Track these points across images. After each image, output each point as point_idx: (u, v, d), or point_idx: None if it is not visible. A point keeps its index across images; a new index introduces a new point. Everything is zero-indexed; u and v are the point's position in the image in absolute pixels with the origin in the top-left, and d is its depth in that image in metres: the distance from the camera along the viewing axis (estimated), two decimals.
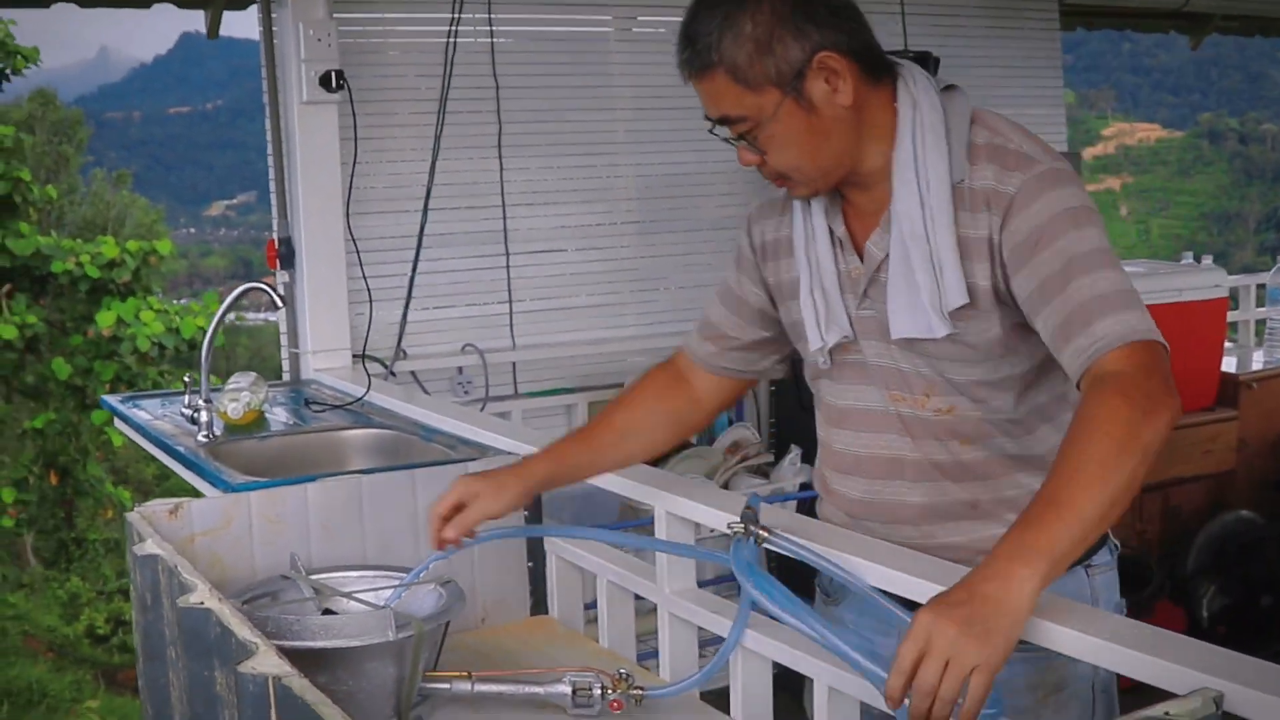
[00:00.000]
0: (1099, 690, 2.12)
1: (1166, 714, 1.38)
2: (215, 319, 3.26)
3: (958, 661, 1.54)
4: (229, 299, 3.31)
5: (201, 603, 1.89)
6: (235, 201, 59.94)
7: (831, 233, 2.13)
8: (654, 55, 4.65)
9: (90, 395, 13.06)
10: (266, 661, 1.66)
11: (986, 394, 2.06)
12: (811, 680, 2.04)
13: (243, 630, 1.76)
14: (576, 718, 2.20)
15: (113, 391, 12.05)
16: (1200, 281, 5.03)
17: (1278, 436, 5.32)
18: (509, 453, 2.79)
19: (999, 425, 2.08)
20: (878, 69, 2.05)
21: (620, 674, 2.19)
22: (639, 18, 4.75)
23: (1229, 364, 5.36)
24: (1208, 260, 5.28)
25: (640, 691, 2.16)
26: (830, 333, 2.14)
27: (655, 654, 2.45)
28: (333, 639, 2.10)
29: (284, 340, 3.97)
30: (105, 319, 13.01)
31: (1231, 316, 5.73)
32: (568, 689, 2.20)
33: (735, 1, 1.97)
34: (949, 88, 2.07)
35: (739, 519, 1.99)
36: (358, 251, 3.93)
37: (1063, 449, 1.73)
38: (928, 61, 4.29)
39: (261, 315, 23.73)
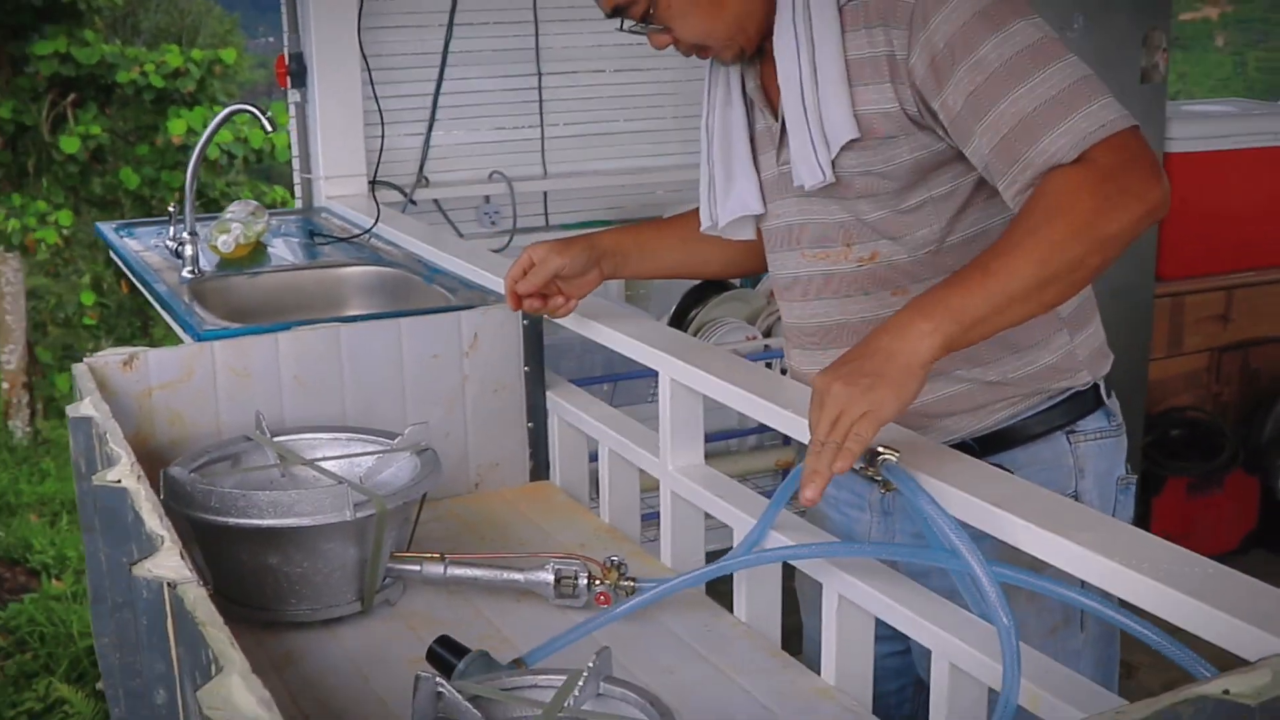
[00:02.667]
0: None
1: (1226, 692, 1.11)
2: (201, 140, 2.99)
3: (847, 414, 1.55)
4: (215, 120, 3.03)
5: (119, 480, 1.66)
6: None
7: (743, 88, 2.00)
8: None
9: (157, 206, 12.93)
10: (165, 562, 1.42)
11: (906, 229, 1.88)
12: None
13: (151, 519, 1.52)
14: (560, 607, 1.97)
15: (180, 203, 11.86)
16: None
17: None
18: None
19: (926, 264, 1.88)
20: None
21: (610, 562, 1.95)
22: None
23: None
24: None
25: (631, 583, 1.92)
26: (724, 211, 2.04)
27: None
28: (282, 516, 1.87)
29: (296, 165, 3.69)
30: (176, 127, 12.79)
31: None
32: (550, 577, 1.97)
33: None
34: None
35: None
36: (368, 70, 3.61)
37: (1012, 222, 1.63)
38: None
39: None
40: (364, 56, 3.58)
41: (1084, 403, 1.94)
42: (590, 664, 1.47)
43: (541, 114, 4.03)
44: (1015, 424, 1.92)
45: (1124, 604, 1.39)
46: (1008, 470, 1.76)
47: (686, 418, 2.12)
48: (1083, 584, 1.44)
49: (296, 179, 3.70)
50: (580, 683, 1.46)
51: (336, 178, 3.61)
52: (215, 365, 2.21)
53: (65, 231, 12.07)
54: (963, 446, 1.89)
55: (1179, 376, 4.43)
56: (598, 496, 2.40)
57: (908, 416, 1.73)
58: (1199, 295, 4.50)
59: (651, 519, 2.27)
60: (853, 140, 1.81)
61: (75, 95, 12.92)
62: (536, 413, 2.47)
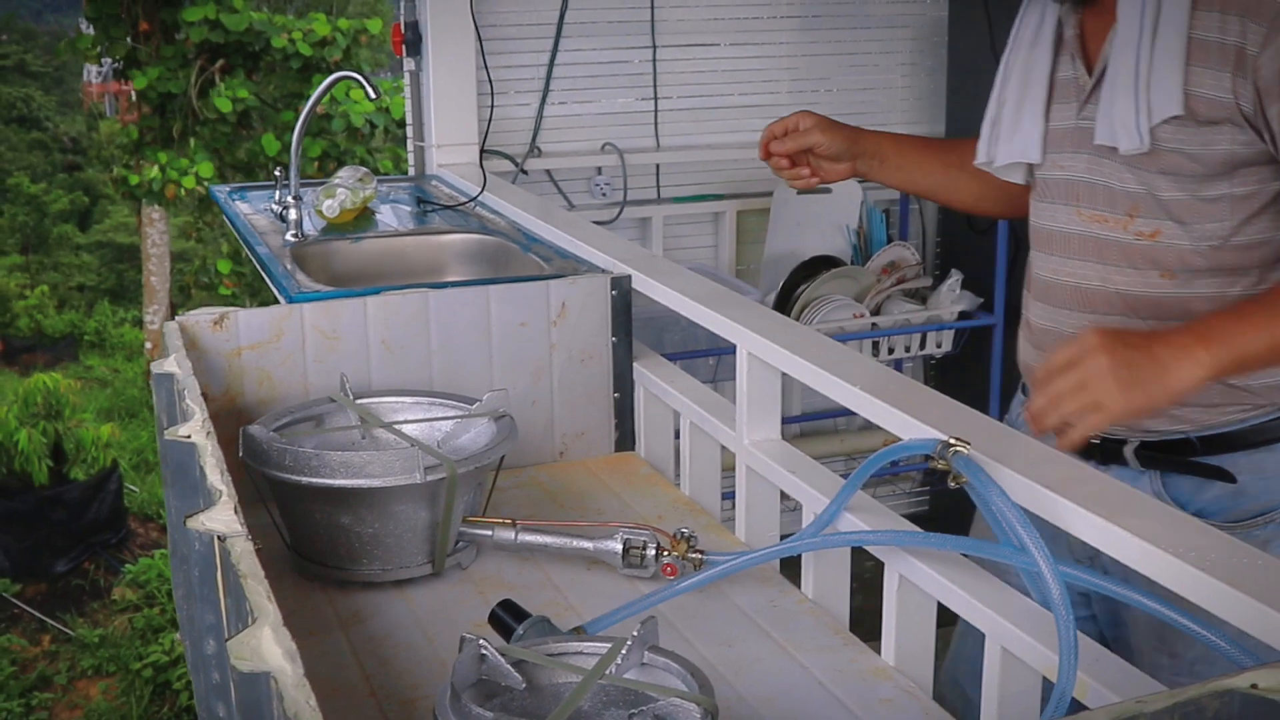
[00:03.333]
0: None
1: (1254, 686, 1.08)
2: (308, 106, 3.04)
3: (1091, 391, 1.61)
4: (322, 86, 3.08)
5: (188, 436, 1.70)
6: None
7: (1060, 36, 1.97)
8: None
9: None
10: (219, 517, 1.45)
11: (1197, 217, 1.85)
12: None
13: (214, 474, 1.56)
14: (628, 576, 1.98)
15: (321, 169, 12.09)
16: None
17: None
18: (604, 269, 2.53)
19: (1205, 256, 1.86)
20: None
21: (680, 534, 1.95)
22: None
23: None
24: None
25: (699, 556, 1.92)
26: (1004, 151, 2.04)
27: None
28: (354, 477, 1.90)
29: (409, 133, 3.73)
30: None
31: None
32: (618, 546, 1.98)
33: None
34: None
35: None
36: (480, 40, 3.62)
37: None
38: None
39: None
40: (477, 26, 3.60)
41: None
42: (635, 633, 1.48)
43: (655, 87, 4.03)
44: (1244, 429, 1.90)
45: (1172, 596, 1.36)
46: (1227, 472, 1.83)
47: (763, 392, 2.11)
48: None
49: (410, 146, 3.74)
50: (624, 651, 1.46)
51: (448, 146, 3.64)
52: (304, 327, 2.24)
53: (205, 184, 12.30)
54: (1186, 442, 1.91)
55: None
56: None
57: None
58: None
59: (732, 497, 2.27)
60: (1174, 116, 1.79)
61: (223, 62, 13.18)
62: (623, 383, 2.47)
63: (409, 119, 3.72)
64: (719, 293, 2.35)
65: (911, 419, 1.71)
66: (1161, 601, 1.40)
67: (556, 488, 2.36)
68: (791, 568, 1.99)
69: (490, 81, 3.67)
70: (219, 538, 1.40)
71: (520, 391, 2.37)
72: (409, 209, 3.35)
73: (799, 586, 1.97)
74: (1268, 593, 1.24)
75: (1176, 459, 1.91)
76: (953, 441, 1.59)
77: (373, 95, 2.97)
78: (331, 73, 13.26)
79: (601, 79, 3.98)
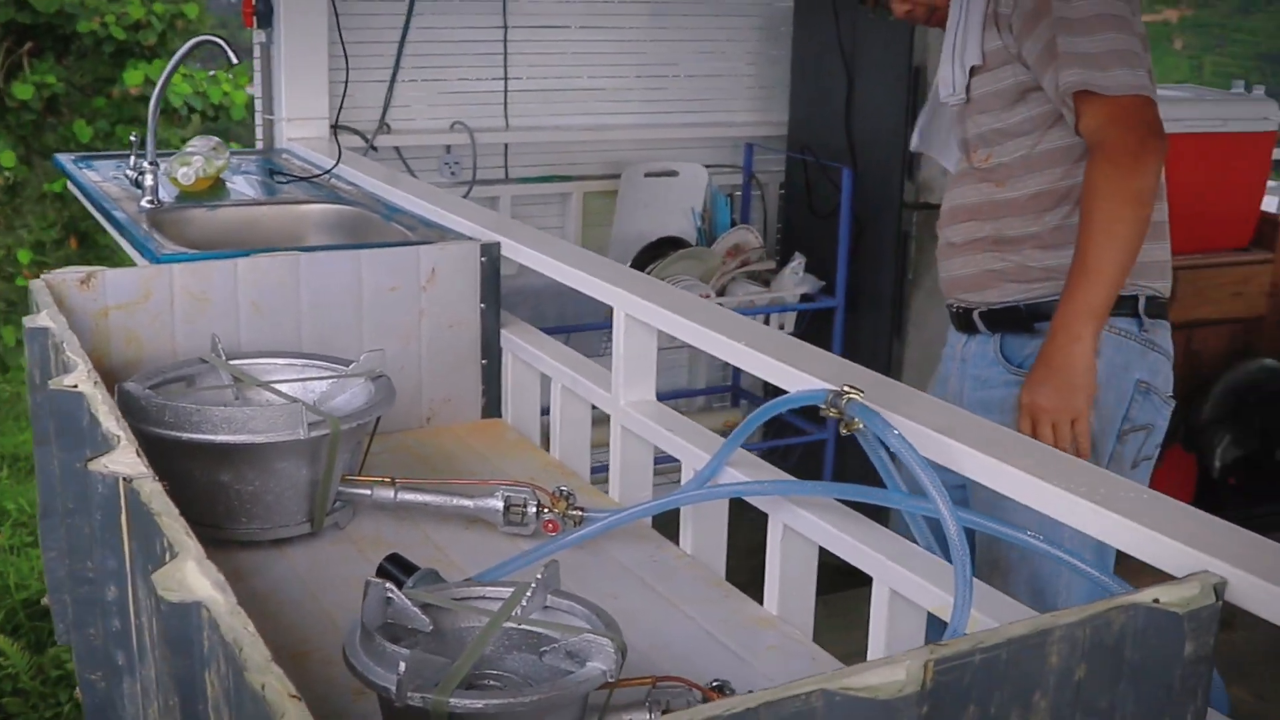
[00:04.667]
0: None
1: (1156, 601, 1.15)
2: (166, 70, 2.99)
3: (1061, 422, 2.20)
4: (182, 50, 3.03)
5: (75, 385, 1.67)
6: None
7: None
8: None
9: None
10: (122, 460, 1.44)
11: (1010, 138, 2.41)
12: None
13: (108, 420, 1.54)
14: (509, 534, 2.00)
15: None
16: (1247, 112, 4.68)
17: None
18: (470, 237, 2.54)
19: (1022, 165, 2.41)
20: None
21: (560, 491, 1.98)
22: None
23: (1270, 204, 5.04)
24: (1259, 91, 4.92)
25: (579, 513, 1.95)
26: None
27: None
28: (236, 433, 1.88)
29: (258, 106, 3.68)
30: (133, 78, 12.64)
31: (1278, 155, 5.39)
32: (499, 503, 1.99)
33: None
34: None
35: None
36: (336, 14, 3.60)
37: (1079, 222, 2.23)
38: None
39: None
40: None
41: (1120, 304, 2.29)
42: (538, 576, 1.50)
43: (506, 67, 4.04)
44: (1054, 300, 2.31)
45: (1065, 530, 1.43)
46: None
47: (640, 353, 2.15)
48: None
49: (258, 119, 3.69)
50: (528, 594, 1.49)
51: (298, 120, 3.61)
52: (174, 288, 2.22)
53: (8, 175, 11.93)
54: (1014, 309, 2.42)
55: None
56: (549, 439, 2.43)
57: (971, 282, 2.48)
58: None
59: (600, 471, 2.30)
60: (974, 66, 2.40)
61: (32, 44, 12.77)
62: (490, 350, 2.49)
63: (258, 92, 3.67)
64: (592, 258, 2.38)
65: (799, 371, 1.76)
66: (1037, 539, 1.48)
67: (426, 452, 2.37)
68: (669, 528, 2.03)
69: (346, 56, 3.64)
70: (125, 479, 1.39)
71: (389, 356, 2.36)
72: (260, 179, 3.32)
73: (678, 544, 2.01)
74: (1151, 520, 1.31)
75: (1010, 321, 2.43)
76: (846, 389, 1.64)
77: (234, 60, 2.93)
78: (145, 58, 12.98)
79: (453, 57, 3.98)
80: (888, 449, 1.63)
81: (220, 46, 2.97)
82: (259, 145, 3.72)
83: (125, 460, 1.42)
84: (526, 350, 2.44)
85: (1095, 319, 2.19)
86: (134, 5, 13.23)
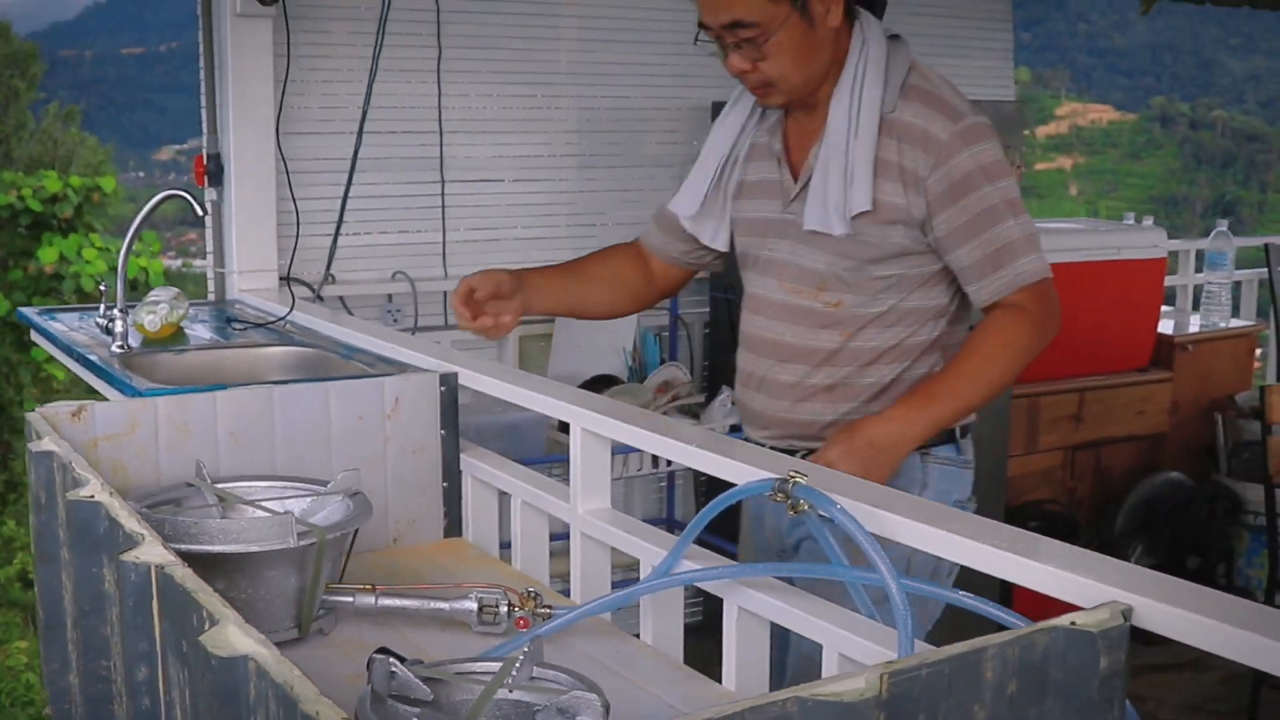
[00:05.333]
0: (944, 574, 2.44)
1: (1073, 624, 1.35)
2: (134, 224, 3.18)
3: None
4: (149, 204, 3.23)
5: (92, 496, 1.83)
6: (186, 146, 59.03)
7: (771, 148, 2.53)
8: None
9: (29, 333, 12.86)
10: (151, 551, 1.60)
11: (871, 291, 2.44)
12: None
13: (130, 522, 1.70)
14: (482, 634, 2.16)
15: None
16: (1140, 241, 5.02)
17: (1210, 400, 5.33)
18: (430, 370, 2.72)
19: (877, 320, 2.46)
20: (851, 6, 2.42)
21: (528, 592, 2.14)
22: None
23: (1166, 326, 5.36)
24: (1148, 221, 5.26)
25: (548, 610, 2.11)
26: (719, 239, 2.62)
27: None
28: (231, 543, 2.04)
29: (210, 259, 3.88)
30: (47, 255, 12.80)
31: (1170, 281, 5.73)
32: (474, 605, 2.15)
33: None
34: (894, 37, 2.45)
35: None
36: (287, 172, 3.83)
37: (971, 342, 2.37)
38: (875, 2, 4.30)
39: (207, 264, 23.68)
40: (283, 159, 3.80)
41: (939, 435, 2.47)
42: (525, 649, 1.67)
43: (444, 219, 4.27)
44: None
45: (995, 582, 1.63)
46: None
47: (596, 465, 2.33)
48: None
49: (210, 273, 3.88)
50: (518, 664, 1.65)
51: (249, 272, 3.81)
52: (158, 420, 2.38)
53: None
54: None
55: (1037, 472, 4.74)
56: (509, 552, 2.59)
57: (812, 427, 2.51)
58: (1053, 397, 4.84)
59: (555, 582, 2.47)
60: (865, 211, 2.37)
61: None
62: (451, 473, 2.66)
63: (209, 246, 3.86)
64: (545, 381, 2.57)
65: (747, 465, 1.96)
66: (970, 597, 1.67)
67: (395, 569, 2.52)
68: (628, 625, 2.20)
69: (297, 212, 3.85)
70: (157, 567, 1.55)
71: (353, 476, 2.53)
72: (218, 326, 3.49)
73: (637, 637, 2.18)
74: (1068, 565, 1.52)
75: None
76: (791, 475, 1.84)
77: (201, 212, 3.13)
78: (63, 231, 13.10)
79: (393, 211, 4.21)
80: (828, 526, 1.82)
81: (188, 200, 3.17)
82: (210, 297, 3.90)
83: (154, 551, 1.58)
84: (485, 471, 2.62)
85: (934, 431, 2.36)
86: (50, 179, 13.41)
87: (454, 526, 2.68)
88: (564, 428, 3.90)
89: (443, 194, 4.26)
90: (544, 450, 3.94)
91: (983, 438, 4.31)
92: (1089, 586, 1.47)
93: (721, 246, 2.67)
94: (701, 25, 2.39)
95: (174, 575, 1.51)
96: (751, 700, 1.17)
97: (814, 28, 2.35)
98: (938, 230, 2.37)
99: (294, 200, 3.86)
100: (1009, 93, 5.66)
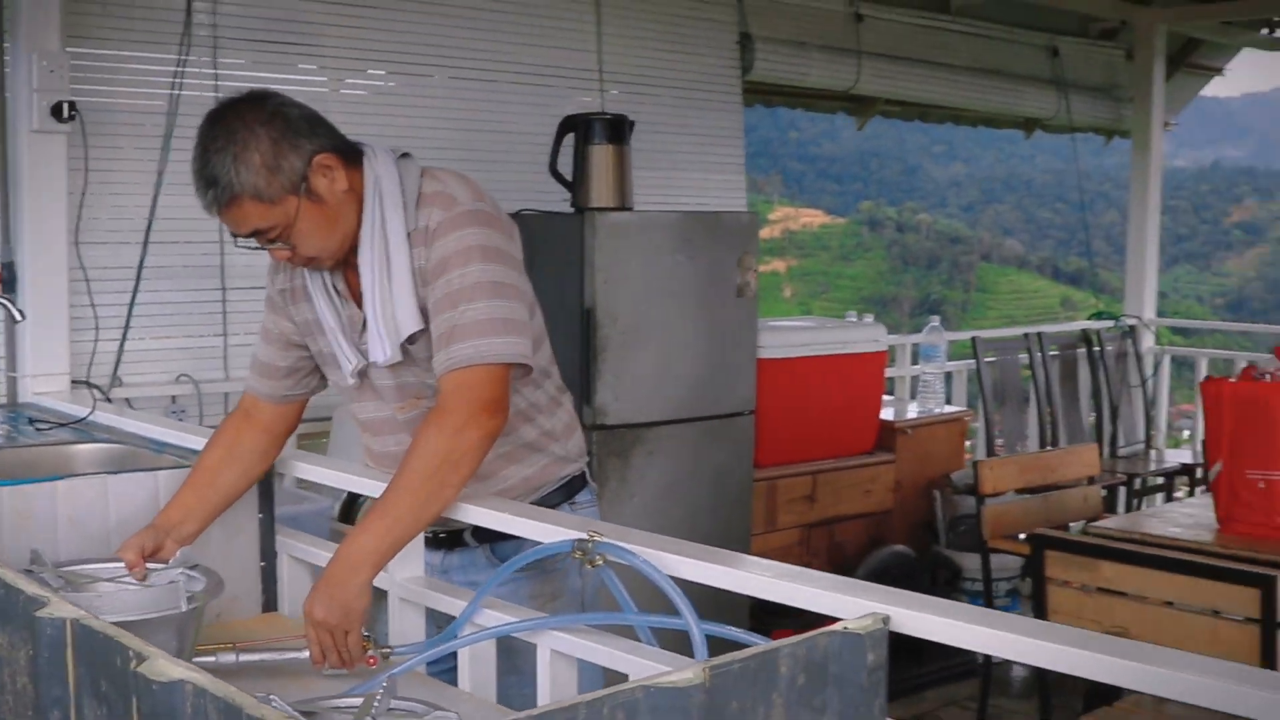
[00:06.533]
0: (587, 597, 2.74)
1: (845, 629, 1.71)
2: None
3: (334, 631, 2.34)
4: None
5: None
6: None
7: (334, 288, 2.61)
8: (366, 112, 4.91)
9: None
10: (63, 607, 1.84)
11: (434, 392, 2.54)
12: None
13: (31, 586, 1.93)
14: (332, 677, 2.40)
15: None
16: (862, 336, 5.55)
17: (929, 479, 5.87)
18: None
19: None
20: (353, 156, 2.53)
21: (366, 636, 2.40)
22: (347, 80, 4.98)
23: (887, 413, 5.89)
24: (869, 318, 5.80)
25: (388, 649, 2.39)
26: (349, 363, 2.63)
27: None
28: (123, 613, 2.24)
29: (1, 365, 4.04)
30: None
31: (890, 372, 6.30)
32: None
33: (237, 141, 2.40)
34: (405, 155, 2.58)
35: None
36: (86, 280, 4.04)
37: (404, 460, 2.39)
38: (624, 125, 4.75)
39: None
40: (83, 267, 4.00)
41: (576, 484, 2.78)
42: (384, 685, 1.97)
43: (225, 324, 4.51)
44: (543, 498, 2.71)
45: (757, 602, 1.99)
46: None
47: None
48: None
49: (1, 377, 4.03)
50: (377, 700, 1.95)
51: (42, 375, 3.98)
52: (2, 509, 2.59)
53: None
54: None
55: (777, 549, 5.17)
56: None
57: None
58: (789, 480, 5.31)
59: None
60: (417, 330, 2.50)
61: None
62: (268, 553, 2.92)
63: (2, 351, 4.03)
64: (349, 464, 2.87)
65: (548, 525, 2.31)
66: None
67: (224, 641, 2.75)
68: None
69: (96, 317, 4.06)
70: (72, 620, 1.80)
71: (190, 550, 2.76)
72: (15, 427, 3.65)
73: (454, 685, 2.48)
74: (834, 587, 1.89)
75: (500, 534, 2.59)
76: (589, 535, 2.18)
77: (19, 317, 3.29)
78: None
79: (178, 316, 4.43)
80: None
81: (6, 305, 3.35)
82: (3, 400, 4.05)
83: (65, 607, 1.83)
84: (302, 549, 2.89)
85: (381, 559, 2.37)
86: None
87: (271, 603, 2.93)
88: (345, 518, 4.17)
89: (224, 300, 4.50)
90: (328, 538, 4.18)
91: (726, 519, 4.78)
92: (856, 603, 1.85)
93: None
94: (234, 235, 2.53)
95: (92, 625, 1.76)
96: (608, 690, 1.50)
97: (325, 201, 2.46)
98: (427, 309, 2.49)
99: (93, 307, 4.06)
100: (742, 203, 6.16)
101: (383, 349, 2.52)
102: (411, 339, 2.51)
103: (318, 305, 2.63)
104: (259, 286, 4.52)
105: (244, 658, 2.41)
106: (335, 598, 2.33)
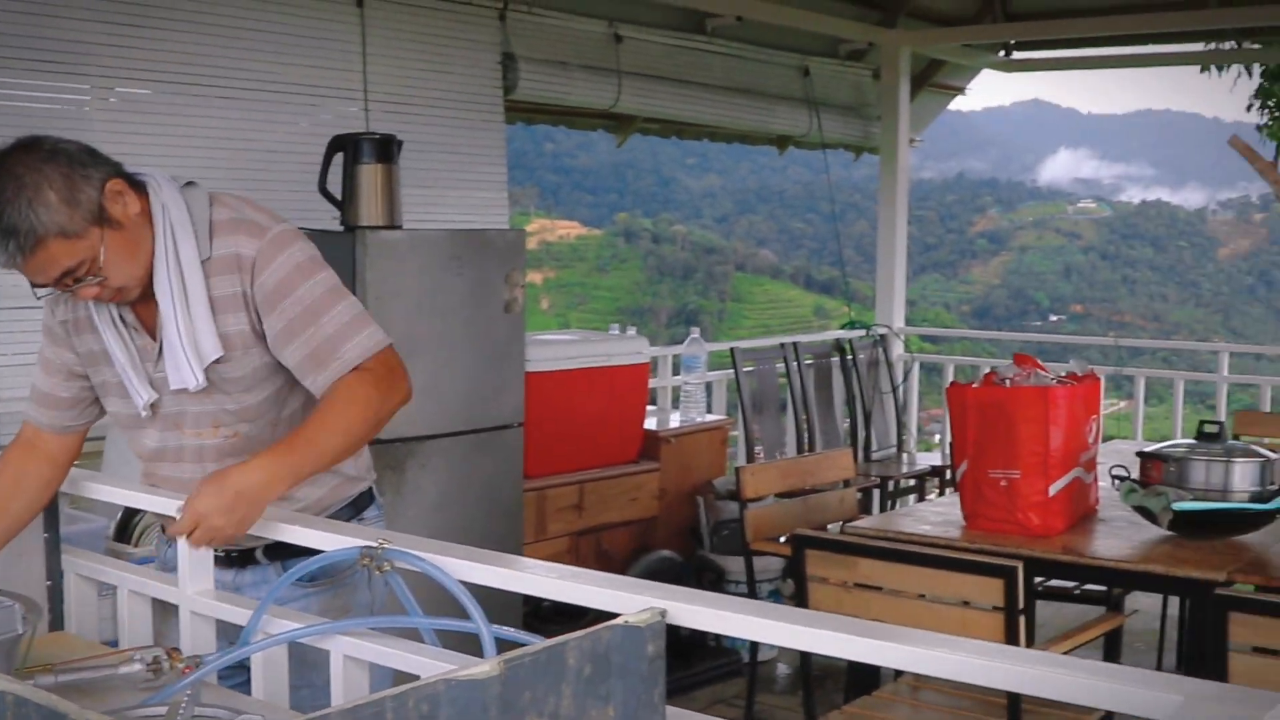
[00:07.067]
0: (376, 609, 2.75)
1: (626, 622, 1.86)
2: None
3: (208, 519, 2.45)
4: None
5: None
6: None
7: (122, 319, 2.64)
8: (132, 129, 4.91)
9: None
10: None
11: (257, 415, 2.67)
12: None
13: None
14: (148, 688, 2.40)
15: None
16: (625, 349, 5.74)
17: (693, 486, 6.08)
18: None
19: (269, 439, 2.67)
20: (137, 184, 2.56)
21: (175, 650, 2.43)
22: (111, 97, 4.96)
23: (651, 423, 6.09)
24: (631, 331, 5.99)
25: (199, 657, 2.44)
26: (141, 396, 2.66)
27: None
28: None
29: None
30: None
31: (653, 383, 6.50)
32: (140, 665, 2.38)
33: (27, 185, 2.40)
34: (189, 184, 2.63)
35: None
36: None
37: (325, 401, 2.54)
38: (392, 144, 4.85)
39: None
40: None
41: (365, 499, 2.88)
42: (187, 694, 2.05)
43: None
44: (331, 516, 2.77)
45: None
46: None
47: (201, 554, 2.69)
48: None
49: None
50: (183, 706, 2.03)
51: None
52: None
53: None
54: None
55: (547, 557, 5.20)
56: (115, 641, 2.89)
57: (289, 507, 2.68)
58: (557, 489, 5.46)
59: None
60: (218, 358, 2.56)
61: None
62: (54, 573, 2.94)
63: None
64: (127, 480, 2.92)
65: (338, 535, 2.42)
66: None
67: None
68: None
69: None
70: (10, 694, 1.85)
71: None
72: None
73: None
74: (623, 587, 2.05)
75: (291, 551, 2.64)
76: (378, 543, 2.30)
77: None
78: None
79: None
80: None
81: None
82: None
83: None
84: (86, 567, 2.92)
85: (298, 478, 2.51)
86: None
87: (58, 621, 2.95)
88: (120, 536, 4.18)
89: None
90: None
91: (497, 529, 4.90)
92: (635, 599, 2.01)
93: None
94: (37, 285, 2.53)
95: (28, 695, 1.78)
96: (411, 685, 1.62)
97: (125, 226, 2.50)
98: (268, 335, 2.57)
99: None
100: (504, 221, 6.29)
101: (192, 375, 2.56)
102: (215, 363, 2.57)
103: (105, 337, 2.64)
104: (25, 306, 4.52)
105: (63, 678, 2.42)
106: (237, 509, 2.44)
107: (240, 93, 5.30)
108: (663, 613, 1.93)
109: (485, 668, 1.69)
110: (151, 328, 2.63)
